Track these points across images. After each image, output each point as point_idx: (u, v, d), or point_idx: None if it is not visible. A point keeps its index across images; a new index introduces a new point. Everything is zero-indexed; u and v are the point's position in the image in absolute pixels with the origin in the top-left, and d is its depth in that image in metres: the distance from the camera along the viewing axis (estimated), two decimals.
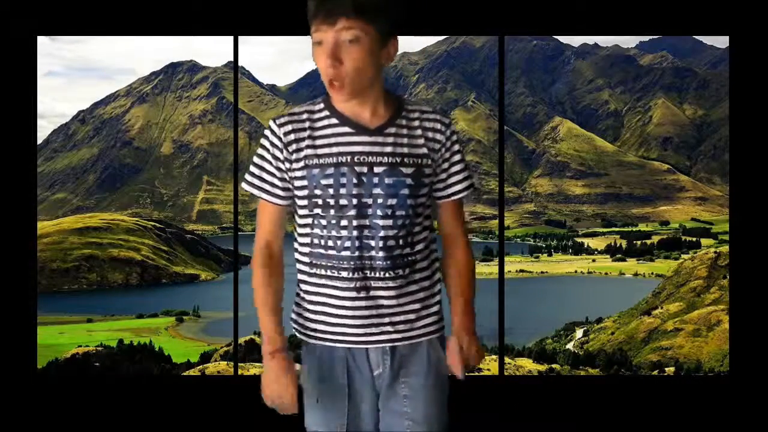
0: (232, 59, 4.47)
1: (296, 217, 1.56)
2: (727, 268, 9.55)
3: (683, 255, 12.34)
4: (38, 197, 4.46)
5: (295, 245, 1.58)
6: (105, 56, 15.87)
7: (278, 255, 1.58)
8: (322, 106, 1.51)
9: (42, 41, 4.06)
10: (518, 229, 13.78)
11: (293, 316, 1.62)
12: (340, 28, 1.37)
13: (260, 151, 1.53)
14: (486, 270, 12.41)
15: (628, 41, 15.06)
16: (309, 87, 14.60)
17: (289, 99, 14.71)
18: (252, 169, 1.55)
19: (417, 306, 1.53)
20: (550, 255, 13.42)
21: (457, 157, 1.55)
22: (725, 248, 10.71)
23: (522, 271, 13.06)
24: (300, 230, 1.56)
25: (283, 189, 1.53)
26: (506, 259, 4.81)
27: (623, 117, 14.65)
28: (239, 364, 6.40)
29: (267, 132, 1.52)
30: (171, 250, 13.15)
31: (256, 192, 1.55)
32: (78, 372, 9.88)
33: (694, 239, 12.84)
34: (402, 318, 1.52)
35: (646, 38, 15.02)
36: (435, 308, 1.57)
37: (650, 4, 4.17)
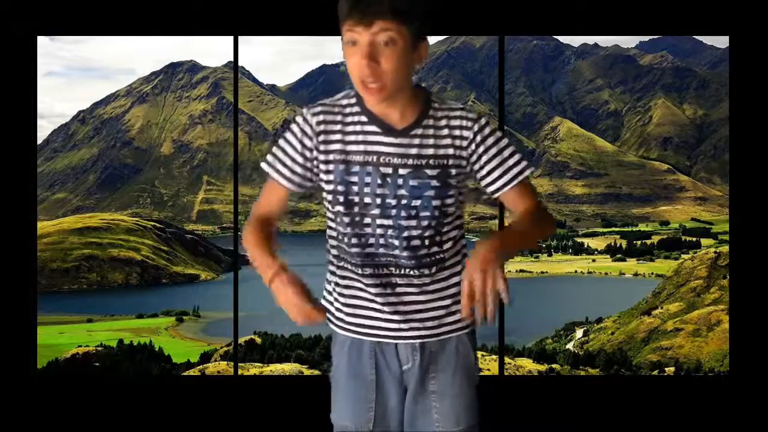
0: (232, 59, 4.47)
1: (326, 210, 1.56)
2: (727, 268, 9.56)
3: (683, 255, 12.34)
4: (38, 197, 4.45)
5: (327, 234, 1.58)
6: (105, 56, 15.87)
7: (273, 223, 1.59)
8: (354, 101, 1.50)
9: (42, 41, 4.06)
10: None
11: (324, 304, 1.61)
12: (377, 30, 1.36)
13: (288, 135, 1.53)
14: None
15: (628, 41, 15.06)
16: (309, 87, 14.60)
17: (289, 99, 14.70)
18: (274, 149, 1.55)
19: (447, 302, 1.54)
20: (550, 255, 13.42)
21: (494, 150, 1.49)
22: (725, 248, 10.72)
23: (522, 271, 13.06)
24: (329, 222, 1.56)
25: (300, 176, 1.53)
26: None
27: (623, 117, 14.64)
28: (239, 364, 6.39)
29: (299, 119, 1.51)
30: (171, 250, 13.15)
31: (271, 171, 1.55)
32: (78, 372, 9.87)
33: (694, 239, 12.84)
34: (431, 315, 1.53)
35: (646, 38, 15.03)
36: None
37: (650, 4, 4.17)
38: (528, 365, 9.87)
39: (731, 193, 4.10)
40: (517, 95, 14.39)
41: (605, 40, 14.86)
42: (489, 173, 1.51)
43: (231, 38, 4.38)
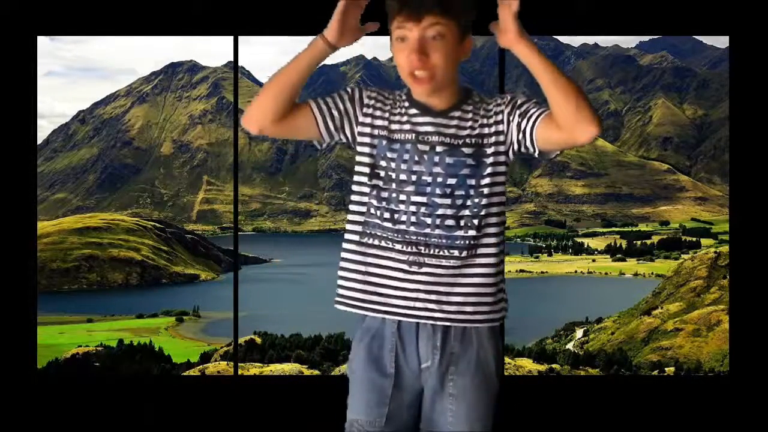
0: (232, 59, 4.47)
1: (352, 185, 1.57)
2: (727, 268, 9.56)
3: (683, 255, 12.34)
4: (38, 197, 4.46)
5: (353, 211, 1.57)
6: (105, 56, 15.91)
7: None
8: (404, 92, 1.57)
9: (42, 41, 4.07)
10: (518, 229, 13.78)
11: (340, 285, 1.58)
12: (426, 25, 1.42)
13: (341, 91, 1.59)
14: None
15: (628, 41, 15.09)
16: (309, 87, 14.61)
17: None
18: (327, 97, 1.59)
19: (469, 290, 1.52)
20: (550, 255, 13.43)
21: (522, 98, 1.53)
22: (725, 248, 10.72)
23: (522, 271, 13.07)
24: (355, 197, 1.57)
25: (330, 116, 1.55)
26: (506, 259, 4.77)
27: (623, 117, 14.66)
28: (239, 364, 6.39)
29: (355, 86, 1.59)
30: (171, 250, 13.16)
31: (314, 105, 1.56)
32: (78, 372, 9.88)
33: (694, 239, 12.85)
34: (453, 299, 1.51)
35: (646, 38, 15.04)
36: (489, 299, 1.54)
37: (650, 4, 4.17)
38: (528, 365, 9.87)
39: (731, 193, 4.10)
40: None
41: (605, 40, 14.87)
42: (524, 117, 1.49)
43: (231, 38, 4.38)
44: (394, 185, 1.51)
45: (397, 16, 1.43)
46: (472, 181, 1.50)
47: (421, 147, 1.50)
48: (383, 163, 1.52)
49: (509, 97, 1.53)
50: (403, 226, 1.51)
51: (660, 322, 10.53)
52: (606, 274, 12.88)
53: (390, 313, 1.53)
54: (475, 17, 1.51)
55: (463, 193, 1.50)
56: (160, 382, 5.07)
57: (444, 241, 1.50)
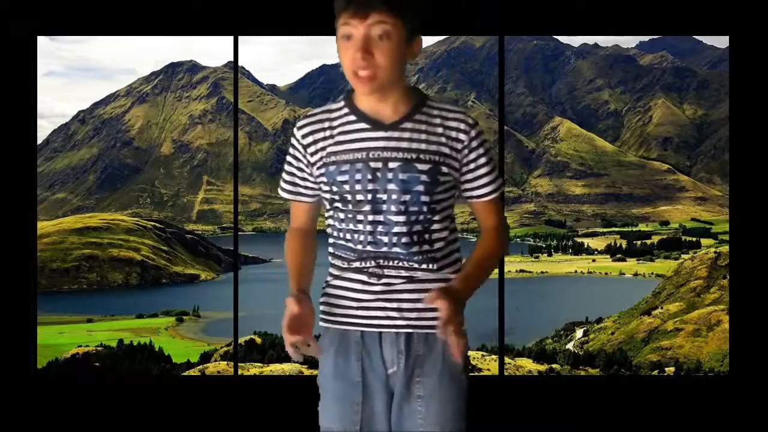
0: (232, 59, 4.47)
1: (326, 211, 1.61)
2: (727, 268, 9.55)
3: (683, 255, 12.33)
4: (38, 197, 4.46)
5: (328, 234, 1.62)
6: (105, 56, 15.89)
7: (308, 232, 1.67)
8: (342, 104, 1.53)
9: (42, 41, 4.07)
10: (518, 229, 13.77)
11: (320, 304, 1.64)
12: (372, 23, 1.38)
13: (287, 156, 1.61)
14: None
15: (628, 41, 15.07)
16: (309, 87, 14.58)
17: (289, 99, 14.69)
18: (283, 173, 1.63)
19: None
20: (550, 255, 13.42)
21: (482, 159, 1.54)
22: (725, 248, 10.72)
23: (522, 271, 13.06)
24: (327, 221, 1.60)
25: (305, 188, 1.60)
26: (506, 259, 4.79)
27: (623, 117, 14.64)
28: (239, 364, 6.40)
29: (292, 137, 1.58)
30: (171, 250, 13.15)
31: (285, 195, 1.64)
32: (78, 372, 9.87)
33: (694, 239, 12.84)
34: (411, 306, 1.51)
35: (646, 38, 15.02)
36: None
37: (650, 4, 4.18)
38: (528, 365, 9.86)
39: (731, 193, 4.10)
40: (517, 95, 14.39)
41: (605, 40, 14.86)
42: (469, 181, 1.56)
43: (231, 38, 4.38)
44: (350, 206, 1.50)
45: (343, 12, 1.39)
46: (426, 198, 1.48)
47: (373, 165, 1.47)
48: (336, 188, 1.50)
49: (473, 133, 1.52)
50: (360, 246, 1.51)
51: (660, 322, 10.53)
52: (606, 274, 12.87)
53: (352, 324, 1.54)
54: (424, 19, 1.46)
55: (417, 209, 1.48)
56: (160, 382, 5.07)
57: (402, 256, 1.50)
